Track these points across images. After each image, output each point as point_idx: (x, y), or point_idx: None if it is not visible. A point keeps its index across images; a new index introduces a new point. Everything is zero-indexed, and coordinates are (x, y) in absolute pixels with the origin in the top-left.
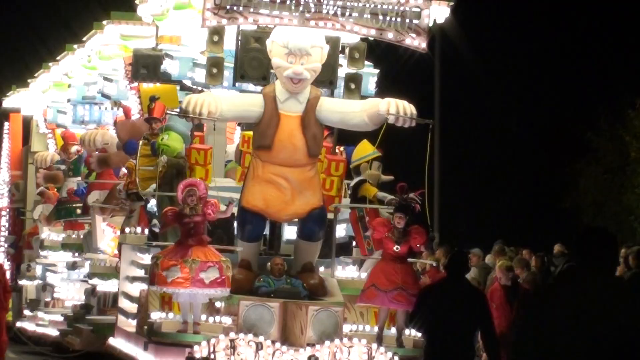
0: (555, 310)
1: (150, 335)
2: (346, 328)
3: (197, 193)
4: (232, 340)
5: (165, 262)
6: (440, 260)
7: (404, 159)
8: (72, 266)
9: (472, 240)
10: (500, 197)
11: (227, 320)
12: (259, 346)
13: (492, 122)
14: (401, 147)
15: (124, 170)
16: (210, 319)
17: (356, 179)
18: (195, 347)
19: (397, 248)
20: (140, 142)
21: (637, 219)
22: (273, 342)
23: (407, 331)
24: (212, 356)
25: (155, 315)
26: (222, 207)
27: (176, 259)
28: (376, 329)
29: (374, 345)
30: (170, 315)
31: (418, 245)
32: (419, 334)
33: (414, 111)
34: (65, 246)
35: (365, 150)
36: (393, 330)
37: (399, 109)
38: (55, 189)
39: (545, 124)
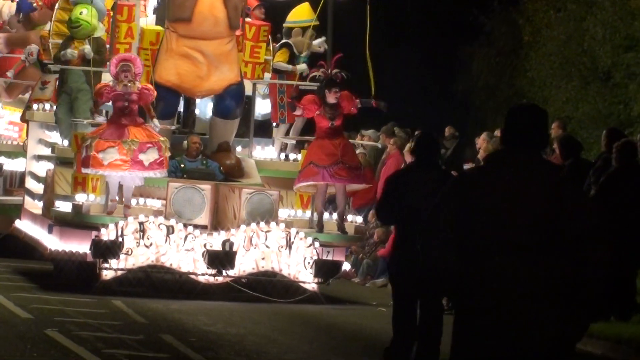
0: (489, 193)
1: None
2: (284, 214)
3: (133, 69)
4: (141, 223)
5: (101, 143)
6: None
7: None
8: None
9: (368, 123)
10: (392, 79)
11: (156, 204)
12: (169, 230)
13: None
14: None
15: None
16: (141, 201)
17: (281, 42)
18: (102, 230)
19: (332, 124)
20: (57, 5)
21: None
22: (185, 226)
23: (349, 216)
24: (119, 239)
25: (82, 198)
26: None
27: (113, 139)
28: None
29: (293, 230)
30: (92, 197)
31: (352, 108)
32: (359, 220)
33: None
34: None
35: (303, 14)
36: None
37: None
38: None
39: (437, 6)
